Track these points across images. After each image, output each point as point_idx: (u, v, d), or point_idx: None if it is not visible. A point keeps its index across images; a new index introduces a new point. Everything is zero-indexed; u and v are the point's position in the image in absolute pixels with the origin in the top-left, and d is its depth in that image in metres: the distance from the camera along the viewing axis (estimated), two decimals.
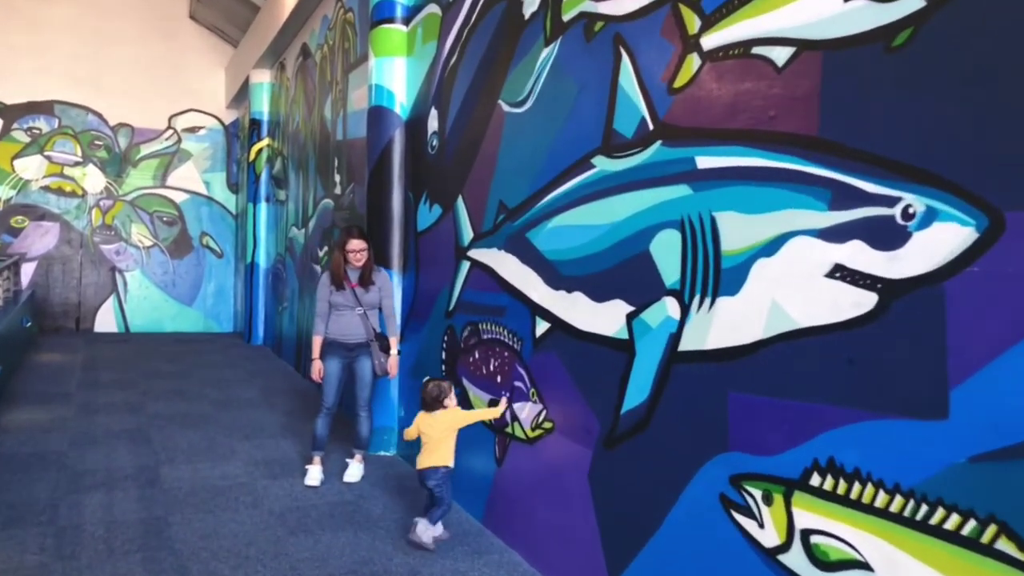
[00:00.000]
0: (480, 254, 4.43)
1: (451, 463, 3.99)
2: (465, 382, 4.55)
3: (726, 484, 2.57)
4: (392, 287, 5.12)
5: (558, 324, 3.58)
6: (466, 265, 4.62)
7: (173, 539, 3.92)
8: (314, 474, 4.99)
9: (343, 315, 4.96)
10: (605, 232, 3.24)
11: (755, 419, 2.47)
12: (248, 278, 11.74)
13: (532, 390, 3.81)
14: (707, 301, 2.68)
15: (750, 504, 2.47)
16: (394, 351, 5.03)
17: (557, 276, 3.60)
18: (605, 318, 3.23)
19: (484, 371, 4.32)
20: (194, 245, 13.65)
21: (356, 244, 4.92)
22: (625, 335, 3.10)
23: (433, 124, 5.19)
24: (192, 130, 13.56)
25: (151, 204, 13.34)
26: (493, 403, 4.20)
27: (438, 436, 3.98)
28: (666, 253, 2.88)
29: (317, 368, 4.95)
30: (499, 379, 4.15)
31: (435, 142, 5.16)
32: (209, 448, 5.70)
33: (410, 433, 4.06)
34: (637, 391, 3.02)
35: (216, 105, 13.70)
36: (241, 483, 4.90)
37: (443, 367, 4.91)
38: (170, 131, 13.41)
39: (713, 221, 2.65)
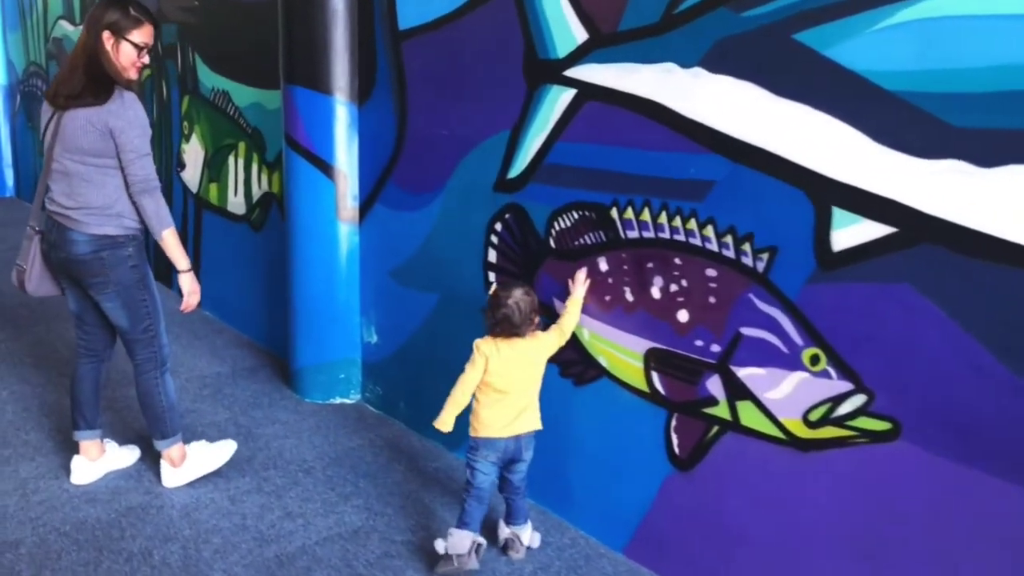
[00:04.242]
0: (613, 75, 2.30)
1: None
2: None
3: None
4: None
5: (932, 230, 1.70)
6: (560, 94, 2.47)
7: None
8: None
9: None
10: None
11: None
12: None
13: (809, 350, 1.96)
14: None
15: None
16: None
17: (933, 127, 1.67)
18: None
19: (629, 298, 2.36)
20: None
21: (149, 33, 2.55)
22: None
23: None
24: None
25: None
26: (657, 357, 2.29)
27: (533, 376, 2.31)
28: None
29: (192, 284, 2.65)
30: (683, 317, 2.23)
31: None
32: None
33: (469, 383, 2.24)
34: None
35: None
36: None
37: (489, 278, 2.84)
38: None
39: None
